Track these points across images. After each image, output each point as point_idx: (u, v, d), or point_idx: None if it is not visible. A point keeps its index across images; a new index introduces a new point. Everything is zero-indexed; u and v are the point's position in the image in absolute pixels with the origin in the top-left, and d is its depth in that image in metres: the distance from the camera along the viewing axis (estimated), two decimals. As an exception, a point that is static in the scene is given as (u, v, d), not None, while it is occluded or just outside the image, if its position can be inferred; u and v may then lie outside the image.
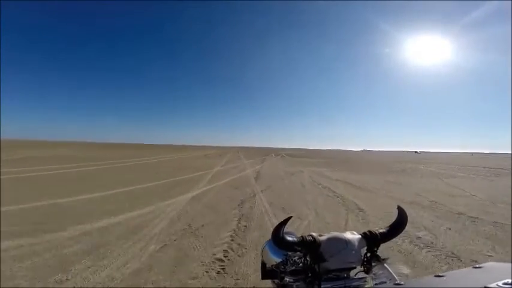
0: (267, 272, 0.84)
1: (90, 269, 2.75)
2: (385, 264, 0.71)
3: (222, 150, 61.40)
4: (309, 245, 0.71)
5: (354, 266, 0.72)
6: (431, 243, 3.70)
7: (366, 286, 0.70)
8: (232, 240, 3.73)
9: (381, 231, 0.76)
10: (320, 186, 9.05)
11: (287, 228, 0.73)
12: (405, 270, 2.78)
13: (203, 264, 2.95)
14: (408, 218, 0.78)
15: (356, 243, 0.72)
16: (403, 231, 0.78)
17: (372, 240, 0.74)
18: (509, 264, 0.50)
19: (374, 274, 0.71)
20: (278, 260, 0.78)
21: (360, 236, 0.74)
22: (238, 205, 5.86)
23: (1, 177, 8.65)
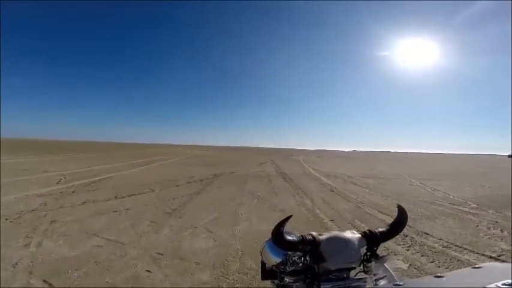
0: (266, 272, 0.82)
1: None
2: (385, 264, 0.71)
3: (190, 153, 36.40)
4: (308, 244, 0.70)
5: (354, 266, 0.71)
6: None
7: (366, 286, 0.70)
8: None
9: (380, 230, 0.75)
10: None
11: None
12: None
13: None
14: None
15: (356, 243, 0.71)
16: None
17: (371, 239, 0.73)
18: (509, 264, 0.51)
19: (374, 274, 0.71)
20: (278, 260, 0.76)
21: (359, 235, 0.74)
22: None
23: None
